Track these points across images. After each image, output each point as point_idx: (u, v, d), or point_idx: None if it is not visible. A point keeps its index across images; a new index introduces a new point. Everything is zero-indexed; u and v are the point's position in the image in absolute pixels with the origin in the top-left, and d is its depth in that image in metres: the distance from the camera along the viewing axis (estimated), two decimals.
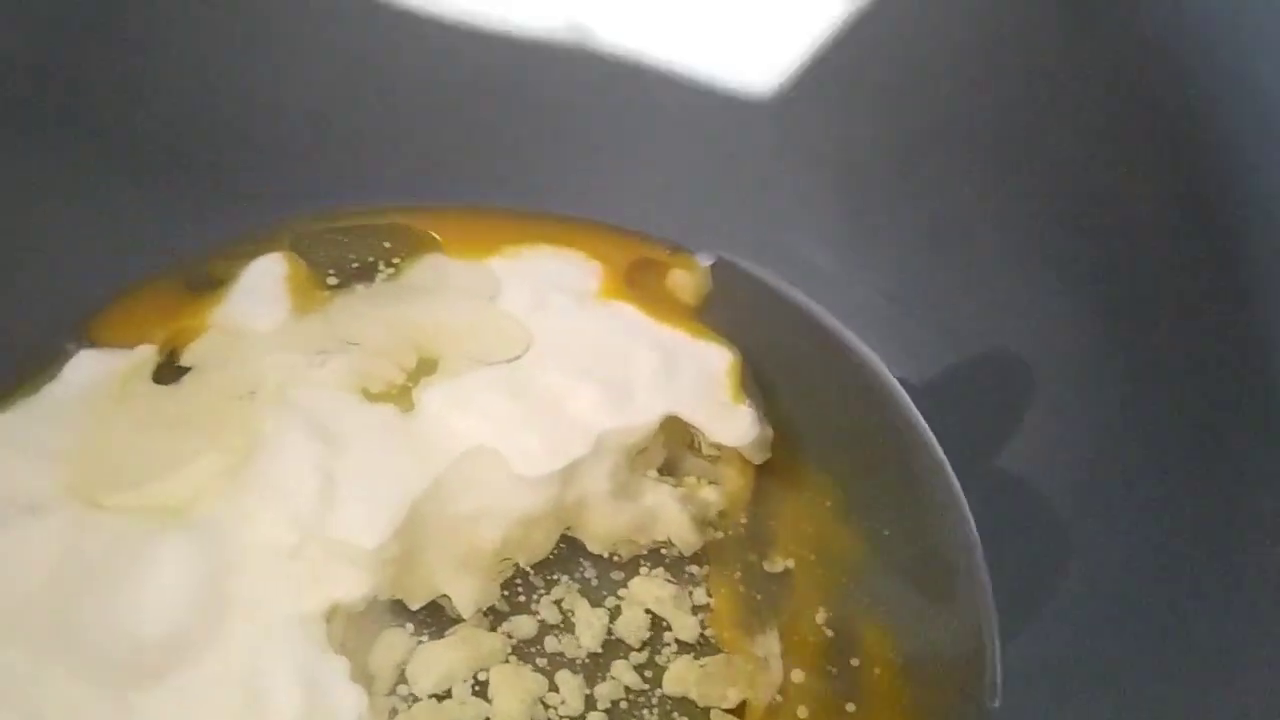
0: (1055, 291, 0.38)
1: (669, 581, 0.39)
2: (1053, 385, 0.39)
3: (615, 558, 0.39)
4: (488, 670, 0.36)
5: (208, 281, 0.45)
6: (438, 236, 0.46)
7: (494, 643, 0.37)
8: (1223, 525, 0.33)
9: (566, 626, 0.38)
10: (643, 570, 0.39)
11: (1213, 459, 0.33)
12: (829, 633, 0.37)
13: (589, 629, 0.37)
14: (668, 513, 0.40)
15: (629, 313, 0.44)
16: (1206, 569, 0.33)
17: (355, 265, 0.44)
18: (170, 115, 0.45)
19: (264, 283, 0.45)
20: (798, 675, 0.36)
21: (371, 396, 0.41)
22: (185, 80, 0.44)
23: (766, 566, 0.39)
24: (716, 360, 0.43)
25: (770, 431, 0.42)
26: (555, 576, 0.39)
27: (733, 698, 0.36)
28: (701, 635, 0.37)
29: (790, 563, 0.39)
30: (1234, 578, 0.32)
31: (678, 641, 0.38)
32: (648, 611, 0.38)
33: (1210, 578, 0.33)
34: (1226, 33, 0.32)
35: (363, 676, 0.35)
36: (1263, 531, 0.31)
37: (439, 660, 0.36)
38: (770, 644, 0.37)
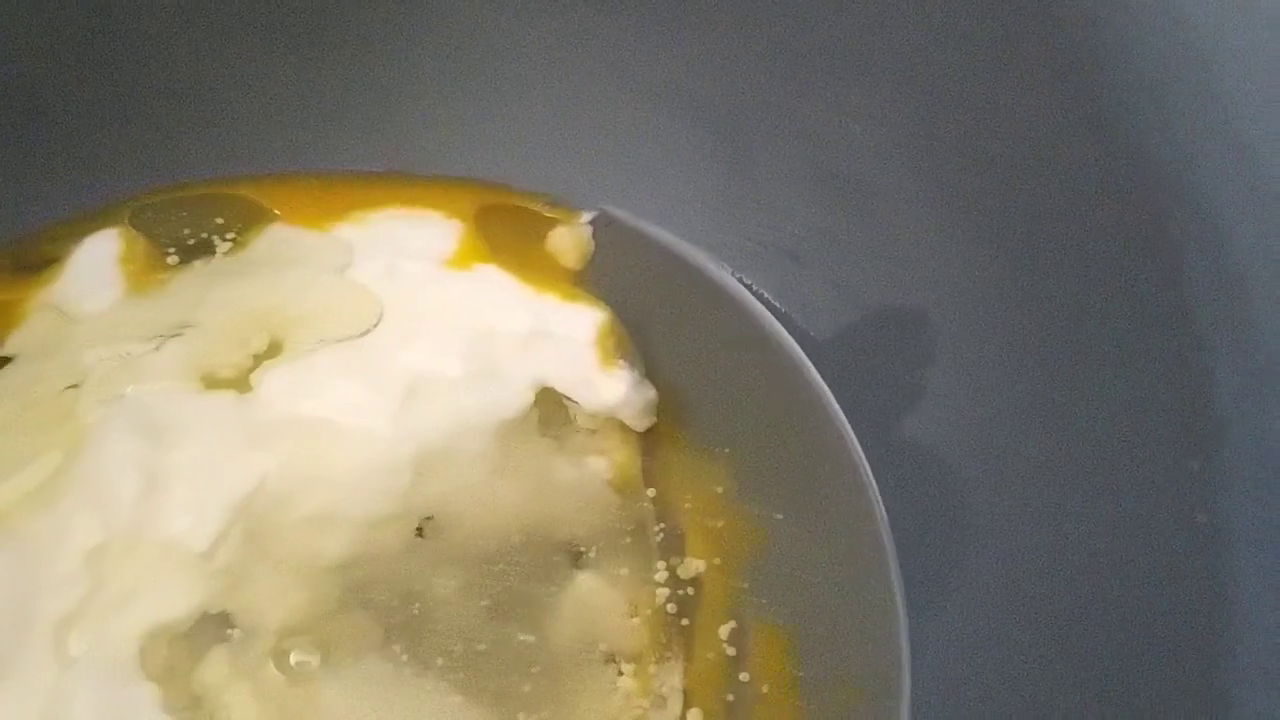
0: (959, 241, 0.34)
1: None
2: (958, 342, 0.35)
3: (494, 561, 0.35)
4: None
5: (37, 262, 0.41)
6: (276, 210, 0.41)
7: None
8: (1142, 489, 0.29)
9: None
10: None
11: (1127, 419, 0.29)
12: (730, 651, 0.33)
13: None
14: (563, 488, 0.36)
15: (493, 277, 0.40)
16: (1126, 535, 0.29)
17: (191, 241, 0.40)
18: None
19: (97, 262, 0.41)
20: (694, 717, 0.32)
21: (210, 384, 0.37)
22: (13, 41, 0.40)
23: (680, 572, 0.35)
24: (588, 323, 0.39)
25: (653, 393, 0.38)
26: (418, 588, 0.34)
27: None
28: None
29: (701, 565, 0.35)
30: (1155, 543, 0.29)
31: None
32: None
33: (1129, 545, 0.29)
34: None
35: (183, 702, 0.31)
36: (1183, 495, 0.28)
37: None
38: (673, 678, 0.33)
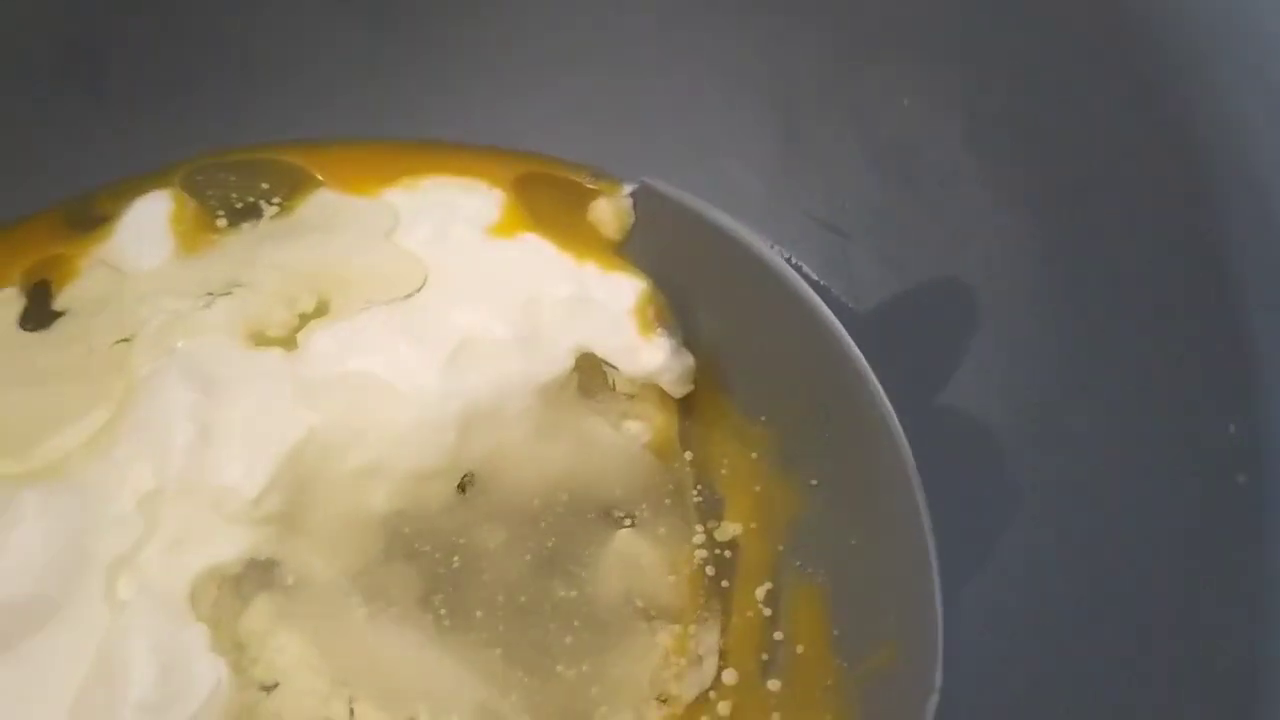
0: (1004, 216, 0.35)
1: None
2: (1000, 316, 0.35)
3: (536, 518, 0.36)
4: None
5: (91, 219, 0.41)
6: (320, 176, 0.42)
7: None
8: (1181, 452, 0.29)
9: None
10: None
11: (1167, 389, 0.30)
12: (766, 611, 0.34)
13: None
14: (605, 450, 0.37)
15: (536, 244, 0.40)
16: (1165, 499, 0.30)
17: (239, 205, 0.41)
18: (58, 37, 0.41)
19: (149, 221, 0.41)
20: (729, 676, 0.33)
21: (259, 341, 0.38)
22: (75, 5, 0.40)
23: (718, 535, 0.36)
24: (629, 291, 0.39)
25: (691, 360, 0.38)
26: (461, 541, 0.35)
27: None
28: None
29: (738, 529, 0.35)
30: (1192, 510, 0.29)
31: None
32: None
33: (1167, 511, 0.29)
34: None
35: (229, 645, 0.32)
36: (1221, 461, 0.28)
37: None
38: (710, 637, 0.33)
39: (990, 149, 0.34)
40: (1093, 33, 0.31)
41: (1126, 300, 0.30)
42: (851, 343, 0.38)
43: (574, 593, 0.34)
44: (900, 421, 0.36)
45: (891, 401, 0.36)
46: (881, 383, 0.36)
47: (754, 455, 0.37)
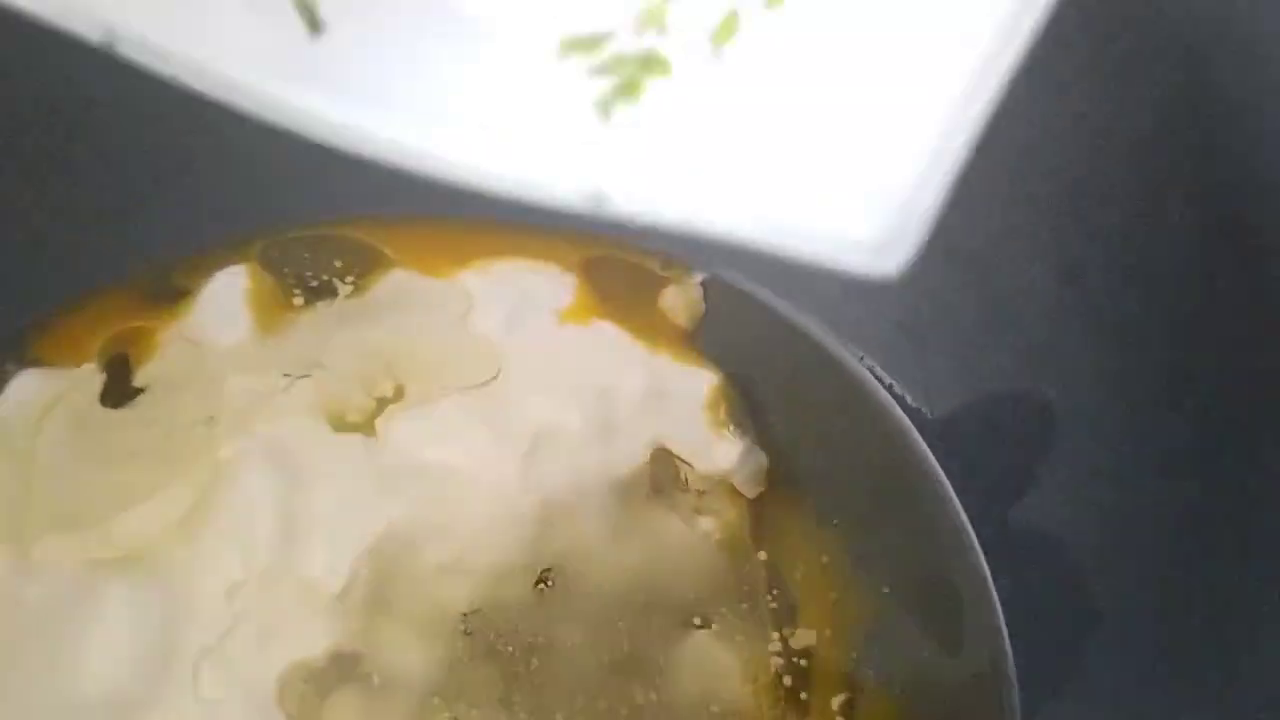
0: (1082, 329, 0.35)
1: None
2: (1077, 428, 0.35)
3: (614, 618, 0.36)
4: None
5: (170, 292, 0.42)
6: (389, 252, 0.42)
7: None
8: (1264, 573, 0.30)
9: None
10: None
11: (1247, 504, 0.30)
12: None
13: None
14: (680, 548, 0.37)
15: (611, 333, 0.41)
16: (1250, 620, 0.30)
17: (314, 283, 0.42)
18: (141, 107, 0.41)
19: (228, 296, 0.42)
20: None
21: (338, 426, 0.38)
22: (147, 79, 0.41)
23: (793, 642, 0.36)
24: (702, 385, 0.40)
25: (764, 459, 0.39)
26: (540, 641, 0.35)
27: None
28: None
29: (812, 636, 0.36)
30: (1270, 633, 0.29)
31: None
32: None
33: (1254, 629, 0.30)
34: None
35: None
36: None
37: None
38: None
39: (1071, 269, 0.35)
40: (1180, 173, 0.31)
41: (1206, 423, 0.31)
42: (926, 450, 0.38)
43: (652, 696, 0.35)
44: (975, 532, 0.36)
45: (966, 510, 0.37)
46: (956, 491, 0.37)
47: (824, 559, 0.37)
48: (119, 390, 0.40)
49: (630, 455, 0.39)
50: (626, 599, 0.36)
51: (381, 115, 0.28)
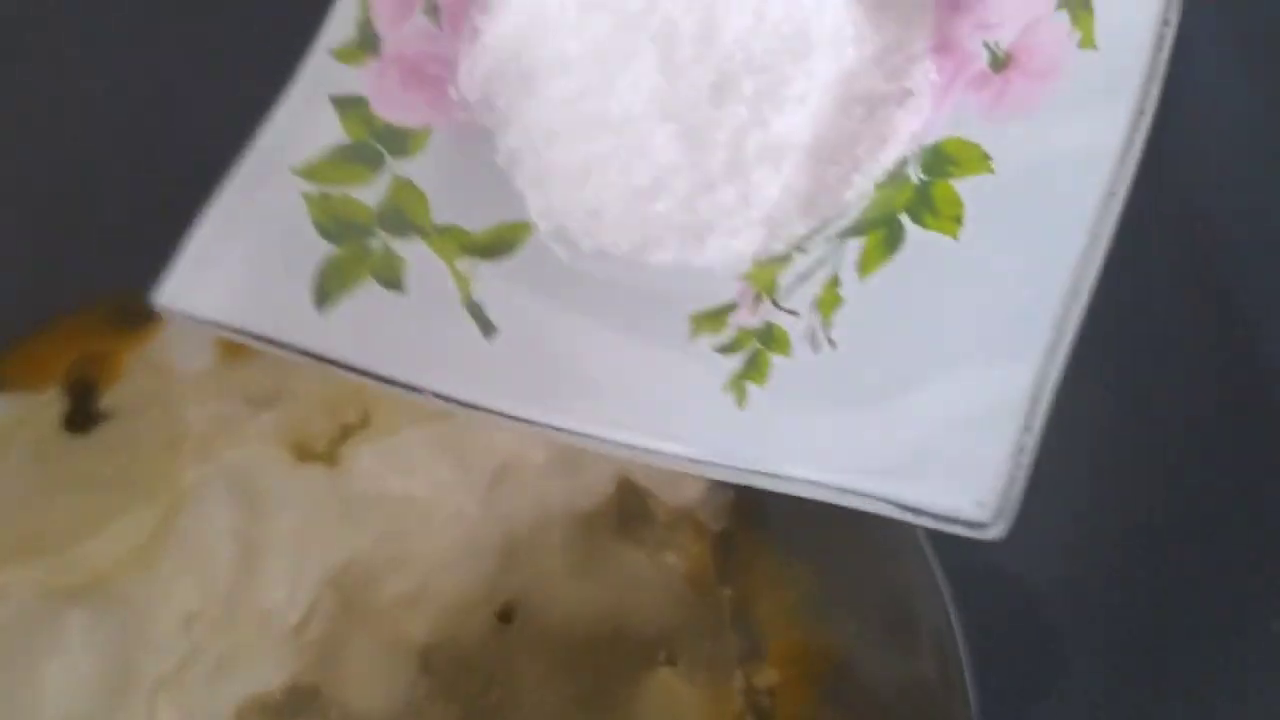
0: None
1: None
2: (1049, 475, 0.35)
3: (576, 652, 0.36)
4: None
5: (136, 315, 0.42)
6: None
7: None
8: (1232, 647, 0.30)
9: None
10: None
11: (1220, 579, 0.30)
12: None
13: None
14: (643, 582, 0.37)
15: None
16: (1215, 693, 0.30)
17: None
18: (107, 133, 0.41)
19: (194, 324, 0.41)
20: None
21: (302, 455, 0.38)
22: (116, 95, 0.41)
23: (757, 681, 0.36)
24: None
25: (730, 494, 0.39)
26: (500, 675, 0.35)
27: None
28: None
29: (776, 676, 0.36)
30: (1242, 687, 0.30)
31: None
32: None
33: (1218, 685, 0.30)
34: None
35: None
36: (1271, 648, 0.29)
37: None
38: None
39: None
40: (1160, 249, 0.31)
41: (1187, 485, 0.31)
42: None
43: None
44: (942, 570, 0.36)
45: (933, 549, 0.37)
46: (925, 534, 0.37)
47: (791, 596, 0.37)
48: (82, 415, 0.39)
49: (595, 488, 0.38)
50: (589, 632, 0.36)
51: (547, 406, 0.30)
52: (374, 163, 0.37)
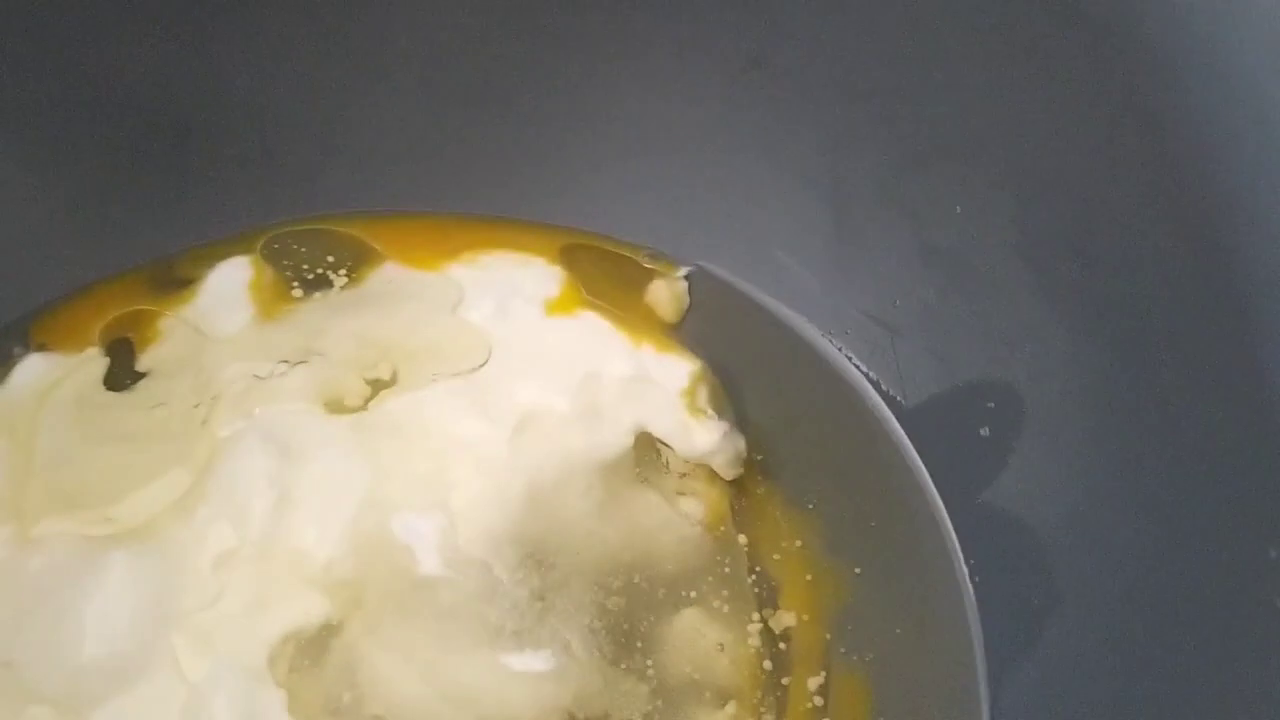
0: (1053, 325, 0.36)
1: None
2: (1047, 417, 0.37)
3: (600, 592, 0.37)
4: None
5: (174, 281, 0.43)
6: (379, 247, 0.44)
7: None
8: (1222, 572, 0.31)
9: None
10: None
11: (1211, 505, 0.31)
12: (818, 701, 0.35)
13: None
14: (662, 528, 0.38)
15: (595, 323, 0.42)
16: (1205, 615, 0.31)
17: (310, 275, 0.43)
18: (147, 107, 0.43)
19: (230, 286, 0.43)
20: None
21: (333, 409, 0.40)
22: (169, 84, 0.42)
23: (773, 624, 0.37)
24: (683, 373, 0.41)
25: (742, 443, 0.40)
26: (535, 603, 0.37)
27: None
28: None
29: (792, 619, 0.37)
30: (1232, 625, 0.30)
31: None
32: None
33: (1208, 625, 0.31)
34: (1231, 55, 0.30)
35: (306, 705, 0.34)
36: (1263, 582, 0.30)
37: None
38: None
39: (1041, 262, 0.36)
40: (1143, 160, 0.32)
41: (1174, 421, 0.32)
42: (902, 434, 0.40)
43: (641, 668, 0.36)
44: (946, 511, 0.37)
45: (937, 491, 0.38)
46: (928, 472, 0.38)
47: (799, 542, 0.38)
48: (122, 374, 0.41)
49: (616, 439, 0.40)
50: (610, 574, 0.37)
51: None
52: None
